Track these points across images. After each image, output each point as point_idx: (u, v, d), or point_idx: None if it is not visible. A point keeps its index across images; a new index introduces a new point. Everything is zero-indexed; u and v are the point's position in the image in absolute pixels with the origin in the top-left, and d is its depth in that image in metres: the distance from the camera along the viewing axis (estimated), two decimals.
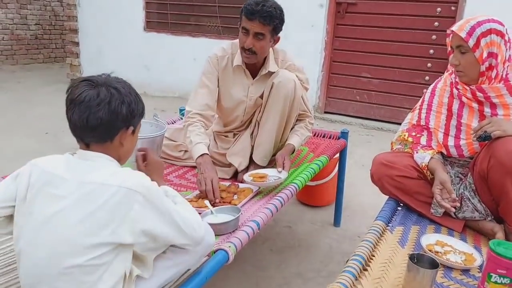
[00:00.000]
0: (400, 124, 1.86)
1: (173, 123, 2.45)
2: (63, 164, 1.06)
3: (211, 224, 1.40)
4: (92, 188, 1.00)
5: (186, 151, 2.07)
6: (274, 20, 1.78)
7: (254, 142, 1.96)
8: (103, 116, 1.04)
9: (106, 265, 1.00)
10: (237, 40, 1.89)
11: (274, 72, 1.89)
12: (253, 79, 1.95)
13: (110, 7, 5.58)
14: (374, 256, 1.32)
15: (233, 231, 1.44)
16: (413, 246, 1.43)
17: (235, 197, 1.73)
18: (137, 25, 5.48)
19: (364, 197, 2.84)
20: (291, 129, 1.98)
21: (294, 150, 1.92)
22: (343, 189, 2.46)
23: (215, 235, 1.41)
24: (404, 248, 1.41)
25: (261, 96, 1.92)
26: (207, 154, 1.77)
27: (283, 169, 1.78)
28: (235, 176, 1.98)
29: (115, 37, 5.64)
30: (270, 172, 1.79)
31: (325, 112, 4.72)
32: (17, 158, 3.24)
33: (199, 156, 1.74)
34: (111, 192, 0.99)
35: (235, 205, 1.63)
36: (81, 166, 1.05)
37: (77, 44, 5.91)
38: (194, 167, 2.05)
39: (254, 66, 1.92)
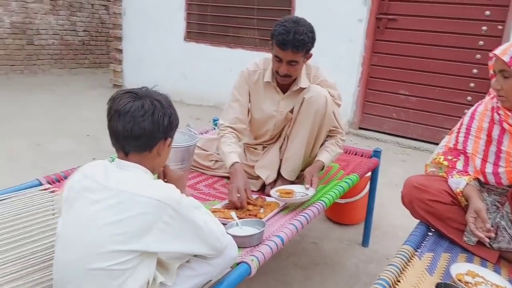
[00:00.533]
0: (438, 144, 1.80)
1: (206, 133, 2.49)
2: (102, 171, 1.11)
3: (235, 236, 1.41)
4: (126, 197, 1.04)
5: (216, 161, 2.09)
6: (307, 45, 1.78)
7: (283, 156, 1.96)
8: (147, 126, 1.10)
9: (131, 270, 1.04)
10: (270, 55, 1.90)
11: (306, 87, 1.89)
12: (284, 94, 1.96)
13: (153, 17, 5.77)
14: (399, 282, 1.28)
15: (257, 244, 1.44)
16: (442, 274, 1.37)
17: (262, 210, 1.73)
18: (178, 35, 5.63)
19: (395, 218, 2.76)
20: (321, 145, 1.96)
21: (323, 167, 1.90)
22: (373, 209, 2.40)
23: (239, 247, 1.42)
24: (432, 275, 1.36)
25: (291, 111, 1.92)
26: (239, 162, 1.80)
27: (311, 186, 1.76)
28: (263, 189, 1.98)
29: (156, 45, 5.81)
30: (297, 189, 1.78)
31: (360, 128, 4.65)
32: (57, 158, 3.38)
33: (231, 165, 1.77)
34: (143, 203, 1.03)
35: (261, 218, 1.63)
36: (118, 175, 1.09)
37: (120, 51, 6.13)
38: (224, 177, 2.07)
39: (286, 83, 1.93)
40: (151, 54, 5.88)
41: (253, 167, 2.00)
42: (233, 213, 1.57)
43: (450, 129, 1.84)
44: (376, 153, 2.30)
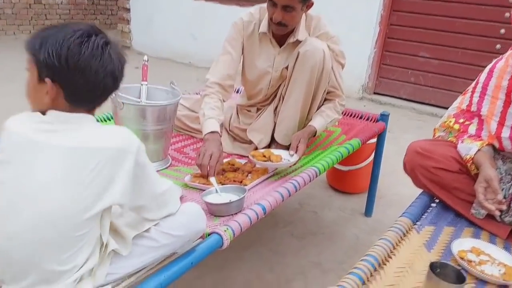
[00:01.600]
0: None
1: (197, 94, 2.33)
2: (43, 125, 0.93)
3: (210, 204, 1.28)
4: (80, 153, 0.89)
5: None
6: None
7: (277, 119, 1.79)
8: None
9: (88, 233, 0.92)
10: (266, 4, 1.70)
11: (303, 40, 1.69)
12: (280, 47, 1.76)
13: None
14: (390, 258, 1.13)
15: (236, 213, 1.30)
16: (442, 251, 1.21)
17: (249, 176, 1.59)
18: None
19: (403, 187, 2.58)
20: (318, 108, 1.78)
21: (315, 133, 1.72)
22: (378, 177, 2.23)
23: (215, 215, 1.29)
24: (430, 252, 1.20)
25: (287, 68, 1.74)
26: (217, 132, 1.60)
27: (295, 152, 1.60)
28: None
29: (165, 4, 5.58)
30: (283, 155, 1.62)
31: (375, 93, 4.40)
32: None
33: (208, 133, 1.58)
34: (102, 155, 0.89)
35: (246, 184, 1.49)
36: (65, 129, 0.92)
37: (128, 10, 5.93)
38: None
39: (282, 34, 1.73)
40: (160, 13, 5.66)
41: (245, 131, 1.84)
42: (212, 179, 1.43)
43: None
44: (383, 117, 2.10)
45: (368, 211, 2.26)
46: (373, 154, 2.29)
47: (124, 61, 0.99)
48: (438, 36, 4.00)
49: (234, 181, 1.52)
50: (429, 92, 4.15)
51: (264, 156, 1.58)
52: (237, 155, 1.84)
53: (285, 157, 1.61)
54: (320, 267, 1.87)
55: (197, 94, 2.32)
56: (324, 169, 1.60)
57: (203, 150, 1.51)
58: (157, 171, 1.65)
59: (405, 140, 3.27)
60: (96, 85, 0.93)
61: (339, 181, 2.46)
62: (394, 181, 2.62)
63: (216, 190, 1.39)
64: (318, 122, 1.71)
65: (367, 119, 2.16)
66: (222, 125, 1.73)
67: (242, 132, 1.87)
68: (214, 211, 1.30)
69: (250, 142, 1.83)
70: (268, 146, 1.82)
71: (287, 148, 1.78)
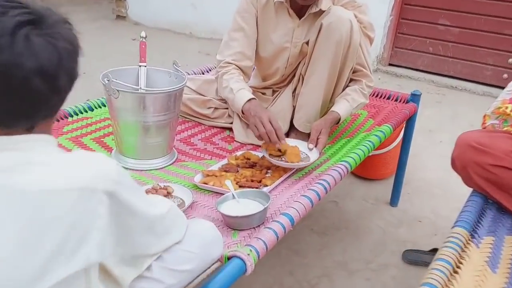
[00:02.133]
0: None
1: (203, 73, 2.07)
2: None
3: (228, 217, 1.07)
4: (27, 200, 0.60)
5: (216, 108, 1.70)
6: None
7: (296, 102, 1.56)
8: None
9: None
10: None
11: (326, 10, 1.43)
12: (300, 19, 1.50)
13: None
14: (452, 285, 0.92)
15: (258, 226, 1.09)
16: (508, 270, 1.00)
17: (268, 173, 1.37)
18: None
19: (429, 171, 2.37)
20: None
21: (338, 121, 1.49)
22: (406, 164, 2.01)
23: (234, 229, 1.08)
24: (495, 272, 0.99)
25: (308, 43, 1.48)
26: (255, 99, 1.42)
27: (315, 146, 1.38)
28: None
29: None
30: (301, 147, 1.39)
31: (390, 65, 4.11)
32: None
33: (246, 102, 1.41)
34: (61, 201, 0.62)
35: (266, 185, 1.28)
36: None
37: None
38: (225, 128, 1.70)
39: (303, 4, 1.46)
40: None
41: None
42: (228, 182, 1.21)
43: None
44: (415, 98, 1.86)
45: (394, 201, 2.06)
46: (399, 136, 2.07)
47: (72, 51, 0.69)
48: (459, 2, 3.68)
49: (252, 181, 1.30)
50: (449, 62, 3.86)
51: (279, 150, 1.35)
52: (252, 145, 1.61)
53: (303, 150, 1.38)
54: (346, 268, 1.68)
55: (203, 73, 2.07)
56: (356, 164, 1.38)
57: (255, 120, 1.35)
58: (161, 168, 1.43)
59: (425, 117, 3.04)
60: (12, 90, 0.61)
61: (361, 167, 2.22)
62: (418, 164, 2.41)
63: (233, 196, 1.17)
64: (342, 108, 1.47)
65: (396, 100, 1.92)
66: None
67: None
68: (232, 224, 1.09)
69: None
70: (287, 134, 1.59)
71: (308, 136, 1.56)
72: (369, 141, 1.49)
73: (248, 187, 1.26)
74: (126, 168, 1.41)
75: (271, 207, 1.15)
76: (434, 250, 1.70)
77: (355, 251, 1.77)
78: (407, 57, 4.04)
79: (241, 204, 1.14)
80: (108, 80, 1.31)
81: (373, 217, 1.99)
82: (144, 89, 1.40)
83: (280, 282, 1.60)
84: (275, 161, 1.33)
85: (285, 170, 1.36)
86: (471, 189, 1.30)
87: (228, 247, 1.00)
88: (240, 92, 1.44)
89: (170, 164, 1.46)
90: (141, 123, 1.37)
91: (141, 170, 1.41)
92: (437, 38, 3.86)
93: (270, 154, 1.35)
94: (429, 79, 3.87)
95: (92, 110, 1.75)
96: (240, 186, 1.27)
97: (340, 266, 1.69)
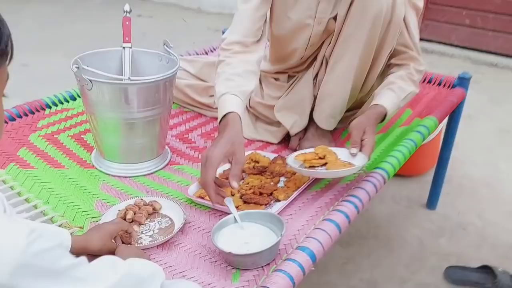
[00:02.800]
0: None
1: (206, 53, 1.77)
2: None
3: (227, 254, 0.80)
4: None
5: None
6: None
7: (318, 91, 1.25)
8: None
9: None
10: None
11: None
12: None
13: None
14: None
15: (267, 264, 0.81)
16: None
17: (281, 182, 1.08)
18: None
19: (473, 167, 2.04)
20: (381, 75, 1.22)
21: (384, 117, 1.15)
22: (449, 159, 1.69)
23: (237, 268, 0.81)
24: None
25: (335, 18, 1.16)
26: (236, 114, 1.00)
27: (360, 150, 1.05)
28: (287, 140, 1.31)
29: None
30: (339, 153, 1.07)
31: (421, 40, 3.71)
32: (48, 81, 2.80)
33: (223, 117, 1.01)
34: None
35: (279, 200, 1.00)
36: None
37: None
38: None
39: None
40: None
41: (272, 108, 1.31)
42: (228, 201, 0.92)
43: None
44: (463, 82, 1.53)
45: (432, 203, 1.75)
46: (440, 125, 1.74)
47: None
48: None
49: (261, 193, 1.02)
50: (488, 37, 3.45)
51: (319, 157, 1.03)
52: (262, 142, 1.33)
53: (343, 158, 1.05)
54: None
55: (206, 54, 1.77)
56: (395, 171, 1.08)
57: (210, 153, 0.92)
58: (151, 173, 1.16)
59: (506, 112, 2.65)
60: None
61: None
62: (458, 158, 2.08)
63: (235, 219, 0.89)
64: (387, 100, 1.13)
65: (439, 84, 1.59)
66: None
67: (267, 110, 1.34)
68: (233, 263, 0.82)
69: (279, 124, 1.31)
70: (305, 130, 1.30)
71: (326, 139, 1.26)
72: (410, 139, 1.19)
73: (255, 203, 0.98)
74: (107, 174, 1.14)
75: (285, 236, 0.87)
76: (485, 268, 1.41)
77: (386, 266, 1.49)
78: (440, 30, 3.63)
79: (246, 232, 0.87)
80: (78, 68, 1.03)
81: (407, 224, 1.69)
82: (126, 78, 1.11)
83: None
84: (318, 172, 1.02)
85: (302, 179, 1.07)
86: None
87: None
88: (223, 98, 1.03)
89: (161, 168, 1.18)
90: (123, 120, 1.09)
91: (125, 177, 1.14)
92: (476, 8, 3.43)
93: (301, 163, 1.04)
94: (465, 56, 3.46)
95: (75, 99, 1.48)
96: (244, 202, 0.99)
97: (369, 287, 1.41)
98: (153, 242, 0.88)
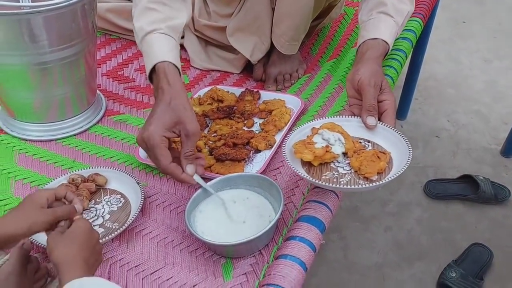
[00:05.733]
0: None
1: None
2: None
3: (213, 245, 0.60)
4: None
5: None
6: None
7: (275, 8, 0.97)
8: None
9: None
10: None
11: None
12: None
13: None
14: None
15: (262, 248, 0.63)
16: None
17: (256, 125, 0.86)
18: None
19: (436, 64, 1.93)
20: None
21: (386, 53, 0.82)
22: (421, 66, 1.54)
23: (227, 257, 0.62)
24: None
25: None
26: (170, 63, 0.68)
27: (377, 119, 0.70)
28: (249, 67, 1.06)
29: None
30: (346, 127, 0.70)
31: None
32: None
33: (152, 69, 0.69)
34: None
35: (259, 150, 0.79)
36: None
37: None
38: None
39: None
40: None
41: (223, 31, 1.02)
42: (197, 178, 0.67)
43: None
44: None
45: (403, 112, 1.65)
46: None
47: None
48: None
49: (235, 144, 0.80)
50: None
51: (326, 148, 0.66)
52: (219, 72, 1.07)
53: (353, 133, 0.70)
54: (358, 216, 1.31)
55: None
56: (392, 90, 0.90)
57: (146, 133, 0.63)
58: (83, 131, 0.88)
59: (458, 0, 2.43)
60: None
61: None
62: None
63: (207, 190, 0.67)
64: (387, 31, 0.80)
65: None
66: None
67: (217, 33, 1.05)
68: (223, 252, 0.62)
69: (236, 51, 1.04)
70: (268, 54, 1.04)
71: (295, 60, 1.02)
72: (399, 49, 0.98)
73: (231, 159, 0.76)
74: (23, 140, 0.86)
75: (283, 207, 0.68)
76: (465, 177, 1.34)
77: (365, 191, 1.38)
78: None
79: (231, 206, 0.66)
80: None
81: None
82: (26, 6, 0.77)
83: None
84: (334, 187, 0.64)
85: (283, 118, 0.85)
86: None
87: None
88: (147, 42, 0.71)
89: (96, 123, 0.91)
90: (32, 65, 0.78)
91: (48, 141, 0.86)
92: None
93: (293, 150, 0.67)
94: None
95: None
96: (217, 160, 0.77)
97: (350, 215, 1.31)
98: (108, 236, 0.64)
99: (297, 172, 0.63)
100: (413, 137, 1.56)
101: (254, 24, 0.99)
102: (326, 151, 0.65)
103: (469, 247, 1.20)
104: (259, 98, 0.93)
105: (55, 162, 0.81)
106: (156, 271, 0.62)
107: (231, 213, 0.64)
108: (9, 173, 0.79)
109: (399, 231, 1.27)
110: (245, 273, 0.60)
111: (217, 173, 0.73)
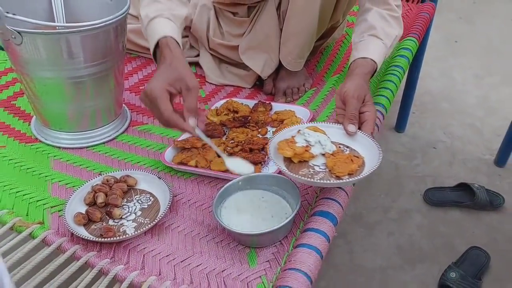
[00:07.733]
0: None
1: None
2: None
3: (240, 235, 0.67)
4: None
5: None
6: None
7: (283, 28, 1.07)
8: None
9: None
10: None
11: None
12: None
13: None
14: None
15: (285, 236, 0.71)
16: None
17: (269, 133, 0.95)
18: None
19: (430, 81, 2.03)
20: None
21: (375, 72, 0.91)
22: (418, 78, 1.64)
23: (251, 246, 0.70)
24: None
25: None
26: (172, 38, 0.78)
27: (357, 128, 0.78)
28: (259, 81, 1.16)
29: None
30: (328, 132, 0.79)
31: None
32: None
33: (156, 43, 0.80)
34: None
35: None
36: None
37: None
38: (189, 64, 1.21)
39: None
40: None
41: (236, 49, 1.12)
42: (197, 129, 0.73)
43: None
44: None
45: (401, 125, 1.72)
46: None
47: None
48: None
49: (251, 149, 0.88)
50: None
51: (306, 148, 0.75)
52: (232, 86, 1.16)
53: (334, 138, 0.78)
54: (362, 221, 1.38)
55: None
56: (390, 104, 0.99)
57: (149, 86, 0.72)
58: (109, 140, 0.97)
59: (450, 21, 2.58)
60: None
61: None
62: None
63: (237, 185, 0.75)
64: (374, 50, 0.89)
65: (407, 0, 1.47)
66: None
67: (230, 52, 1.15)
68: (247, 242, 0.70)
69: (248, 67, 1.13)
70: (277, 70, 1.14)
71: (301, 75, 1.11)
72: (397, 66, 1.08)
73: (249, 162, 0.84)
74: (57, 148, 0.94)
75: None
76: (461, 186, 1.42)
77: (368, 197, 1.46)
78: None
79: (253, 201, 0.74)
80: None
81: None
82: (63, 25, 0.87)
83: None
84: (306, 180, 0.69)
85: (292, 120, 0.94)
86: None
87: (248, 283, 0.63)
88: (153, 24, 0.82)
89: (122, 133, 0.99)
90: (68, 79, 0.87)
91: (79, 148, 0.94)
92: None
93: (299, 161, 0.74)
94: None
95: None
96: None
97: (355, 221, 1.38)
98: (140, 229, 0.72)
99: (277, 165, 0.71)
100: (412, 148, 1.65)
101: (264, 43, 1.09)
102: (306, 150, 0.74)
103: (467, 250, 1.27)
104: (271, 109, 1.02)
105: (87, 167, 0.89)
106: (186, 259, 0.69)
107: (252, 209, 0.72)
108: (46, 176, 0.86)
109: (401, 236, 1.34)
110: (268, 261, 0.67)
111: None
